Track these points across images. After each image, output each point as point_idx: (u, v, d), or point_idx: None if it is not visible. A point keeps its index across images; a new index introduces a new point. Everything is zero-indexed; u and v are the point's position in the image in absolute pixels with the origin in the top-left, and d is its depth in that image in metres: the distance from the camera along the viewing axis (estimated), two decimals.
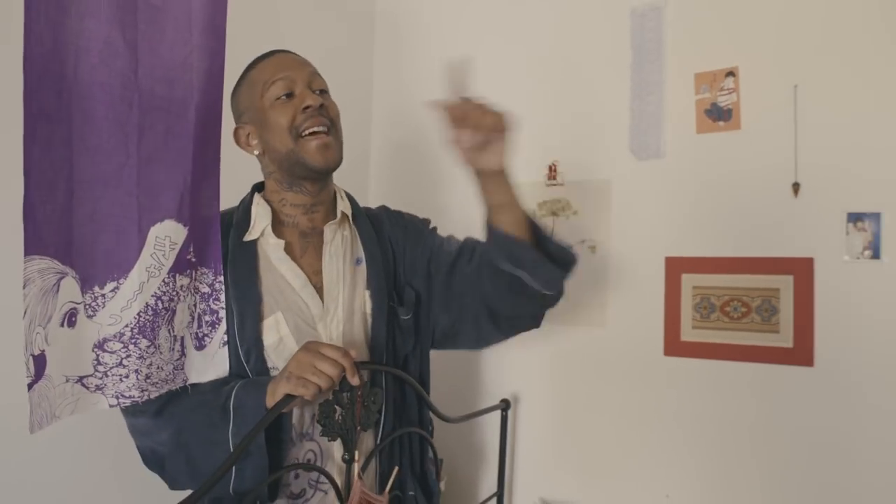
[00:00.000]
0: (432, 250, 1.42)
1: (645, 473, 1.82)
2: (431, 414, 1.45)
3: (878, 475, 1.56)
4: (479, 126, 1.10)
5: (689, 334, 1.77)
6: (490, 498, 1.91)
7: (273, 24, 1.91)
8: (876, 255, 1.59)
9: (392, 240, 1.43)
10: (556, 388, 1.96)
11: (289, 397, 1.08)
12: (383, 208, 1.52)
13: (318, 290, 1.30)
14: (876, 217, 1.60)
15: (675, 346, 1.79)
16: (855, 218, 1.62)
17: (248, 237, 1.29)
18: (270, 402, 1.10)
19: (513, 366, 2.00)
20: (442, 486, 1.83)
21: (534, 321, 1.42)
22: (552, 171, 1.97)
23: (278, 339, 1.24)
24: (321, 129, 1.27)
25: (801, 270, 1.66)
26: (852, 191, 1.62)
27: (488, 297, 1.31)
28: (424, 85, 2.20)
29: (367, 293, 1.35)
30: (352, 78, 2.20)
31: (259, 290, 1.25)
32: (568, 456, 1.93)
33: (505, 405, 1.92)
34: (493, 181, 1.21)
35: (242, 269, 1.25)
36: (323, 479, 1.21)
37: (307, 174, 1.30)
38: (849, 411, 1.60)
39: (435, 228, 1.51)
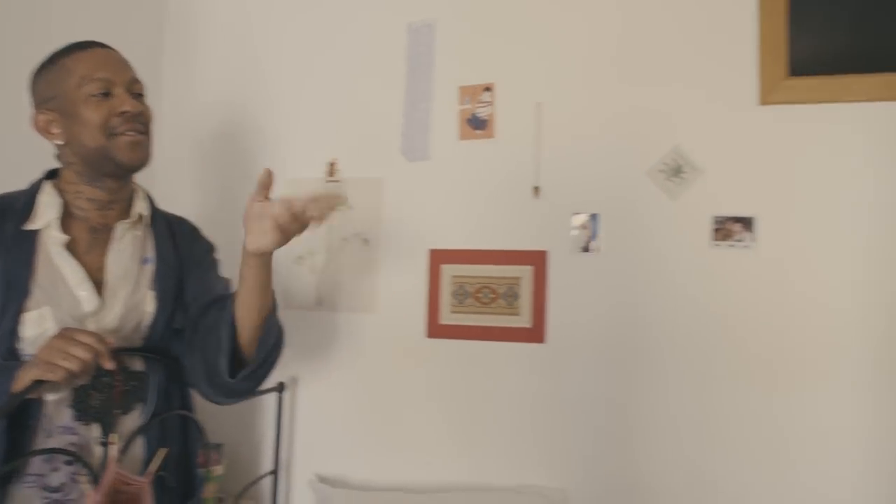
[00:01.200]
0: (202, 283, 1.45)
1: (410, 444, 2.00)
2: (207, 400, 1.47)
3: (588, 430, 1.86)
4: (295, 221, 1.19)
5: (447, 318, 1.98)
6: (265, 476, 1.99)
7: (46, 14, 1.83)
8: (593, 249, 1.90)
9: (183, 251, 1.46)
10: (333, 370, 2.08)
11: (37, 383, 1.08)
12: (184, 220, 1.56)
13: (99, 286, 1.30)
14: (595, 217, 1.91)
15: (435, 328, 1.99)
16: (579, 217, 1.92)
17: (30, 226, 1.26)
18: (17, 387, 1.10)
19: (292, 350, 2.08)
20: (220, 469, 1.88)
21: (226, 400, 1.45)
22: (331, 169, 2.10)
23: (40, 332, 1.21)
24: (135, 134, 1.29)
25: (539, 262, 1.93)
26: (579, 195, 1.92)
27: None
28: (215, 86, 2.25)
29: (152, 293, 1.37)
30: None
31: (28, 282, 1.22)
32: (342, 433, 2.06)
33: (280, 387, 2.01)
34: (263, 261, 1.27)
35: (17, 259, 1.22)
36: (83, 471, 1.20)
37: (114, 171, 1.30)
38: (571, 379, 1.89)
39: (216, 261, 1.56)
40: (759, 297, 1.81)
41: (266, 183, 1.23)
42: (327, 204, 1.21)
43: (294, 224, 1.19)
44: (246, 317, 1.30)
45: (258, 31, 2.23)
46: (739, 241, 1.82)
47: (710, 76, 1.87)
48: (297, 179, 2.11)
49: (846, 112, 1.81)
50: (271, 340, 1.35)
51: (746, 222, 1.82)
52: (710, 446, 1.81)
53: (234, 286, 1.37)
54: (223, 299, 1.39)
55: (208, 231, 1.64)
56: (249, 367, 1.33)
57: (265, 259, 1.27)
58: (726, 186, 1.85)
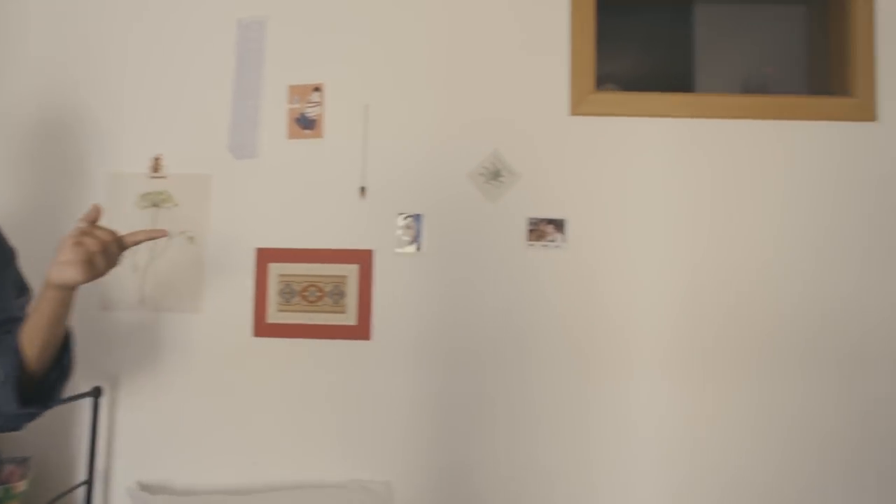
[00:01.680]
0: None
1: (237, 446, 1.97)
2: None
3: (413, 424, 1.92)
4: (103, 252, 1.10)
5: (274, 317, 1.98)
6: (76, 487, 1.89)
7: None
8: (418, 248, 1.96)
9: None
10: (156, 372, 2.01)
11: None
12: None
13: None
14: (418, 217, 1.97)
15: (262, 327, 1.98)
16: (404, 218, 1.97)
17: None
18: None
19: (111, 353, 2.01)
20: (23, 485, 1.77)
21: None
22: (156, 164, 2.04)
23: None
24: None
25: (365, 260, 1.97)
26: (403, 195, 1.98)
27: None
28: (32, 74, 2.11)
29: None
30: None
31: None
32: (166, 437, 2.00)
33: (96, 392, 1.93)
34: (63, 295, 1.14)
35: None
36: None
37: None
38: (396, 374, 1.94)
39: (15, 271, 1.39)
40: (570, 293, 1.94)
41: (92, 218, 1.12)
42: (146, 236, 1.16)
43: (104, 258, 1.10)
44: (30, 347, 1.20)
45: (82, 18, 2.12)
46: (552, 241, 1.95)
47: (528, 87, 1.99)
48: (120, 174, 2.03)
49: (647, 125, 1.98)
50: (56, 375, 1.26)
51: (558, 224, 1.95)
52: (528, 434, 1.92)
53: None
54: (11, 322, 1.27)
55: (17, 235, 1.50)
56: (34, 403, 1.23)
57: (66, 294, 1.14)
58: (540, 190, 1.97)
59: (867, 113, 1.99)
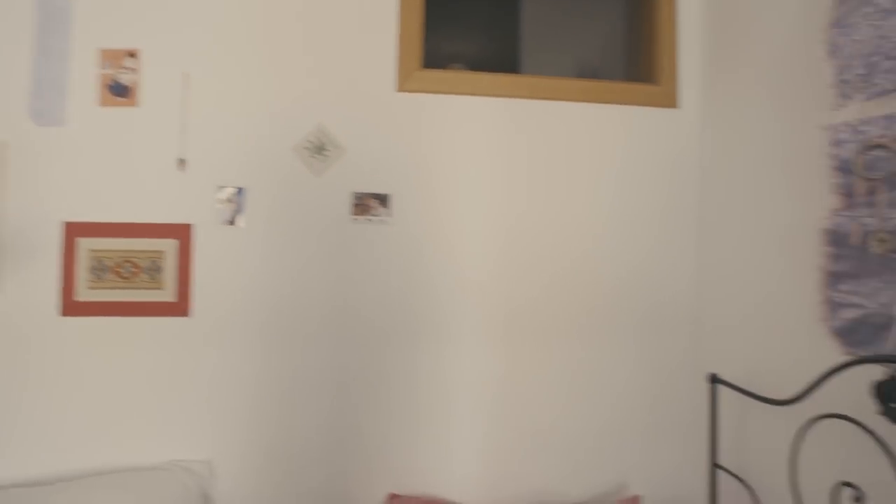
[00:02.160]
0: None
1: (44, 433, 1.85)
2: None
3: (236, 401, 1.89)
4: None
5: (84, 294, 1.87)
6: None
7: None
8: (240, 222, 1.92)
9: None
10: None
11: None
12: None
13: None
14: (241, 191, 1.92)
15: (71, 306, 1.87)
16: (225, 191, 1.92)
17: None
18: None
19: None
20: None
21: None
22: None
23: None
24: None
25: (184, 235, 1.90)
26: (225, 168, 1.92)
27: None
28: None
29: None
30: None
31: None
32: None
33: None
34: None
35: None
36: None
37: None
38: (218, 351, 1.90)
39: None
40: (395, 266, 1.98)
41: None
42: None
43: None
44: None
45: None
46: (376, 215, 1.97)
47: (356, 62, 1.99)
48: None
49: (473, 103, 2.04)
50: None
51: (383, 198, 1.98)
52: (355, 404, 1.95)
53: None
54: None
55: None
56: None
57: None
58: (366, 165, 1.98)
59: (670, 100, 2.16)
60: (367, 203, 1.97)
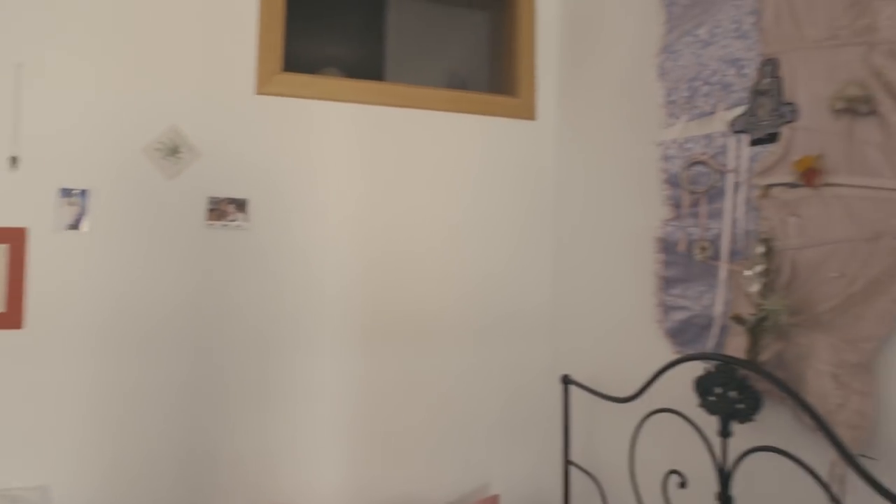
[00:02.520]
0: None
1: None
2: None
3: (76, 420, 1.76)
4: None
5: None
6: None
7: None
8: (81, 227, 1.79)
9: None
10: None
11: None
12: None
13: None
14: (84, 193, 1.80)
15: None
16: (66, 193, 1.79)
17: None
18: None
19: None
20: None
21: None
22: None
23: None
24: None
25: (16, 240, 1.75)
26: (66, 168, 1.79)
27: None
28: None
29: None
30: None
31: None
32: None
33: None
34: None
35: None
36: None
37: None
38: (57, 366, 1.76)
39: None
40: (254, 274, 1.92)
41: None
42: None
43: None
44: None
45: None
46: (233, 221, 1.91)
47: (214, 63, 1.92)
48: None
49: (334, 109, 2.03)
50: None
51: (241, 204, 1.92)
52: (211, 416, 1.87)
53: None
54: None
55: None
56: None
57: None
58: (223, 169, 1.91)
59: (529, 112, 2.26)
60: (224, 208, 1.90)
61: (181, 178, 1.88)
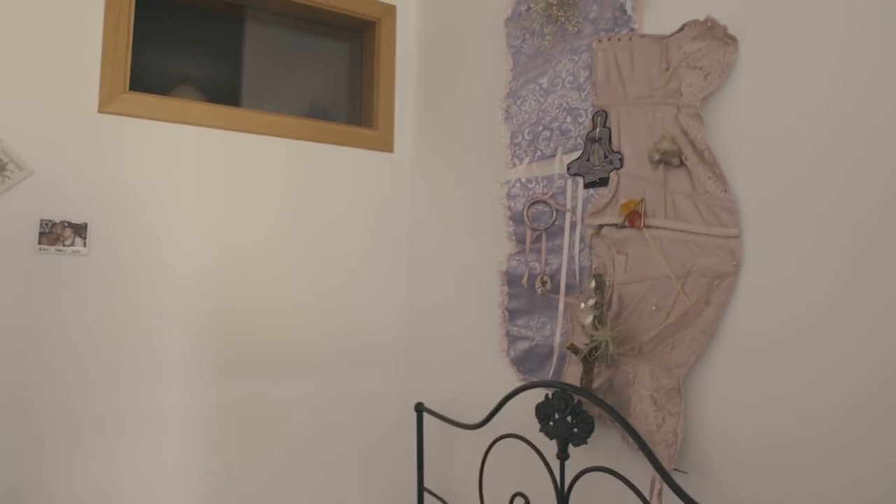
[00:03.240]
0: None
1: None
2: None
3: None
4: None
5: None
6: None
7: None
8: None
9: None
10: None
11: None
12: None
13: None
14: None
15: None
16: None
17: None
18: None
19: None
20: None
21: None
22: None
23: None
24: None
25: None
26: None
27: None
28: None
29: None
30: None
31: None
32: None
33: None
34: None
35: None
36: None
37: None
38: None
39: None
40: (93, 301, 1.80)
41: None
42: None
43: None
44: None
45: None
46: (70, 245, 1.77)
47: (53, 78, 1.79)
48: None
49: (182, 131, 1.96)
50: None
51: (78, 227, 1.79)
52: (47, 451, 1.70)
53: None
54: None
55: None
56: None
57: None
58: (60, 190, 1.78)
59: (387, 145, 2.31)
60: (59, 232, 1.77)
61: (7, 197, 1.72)
